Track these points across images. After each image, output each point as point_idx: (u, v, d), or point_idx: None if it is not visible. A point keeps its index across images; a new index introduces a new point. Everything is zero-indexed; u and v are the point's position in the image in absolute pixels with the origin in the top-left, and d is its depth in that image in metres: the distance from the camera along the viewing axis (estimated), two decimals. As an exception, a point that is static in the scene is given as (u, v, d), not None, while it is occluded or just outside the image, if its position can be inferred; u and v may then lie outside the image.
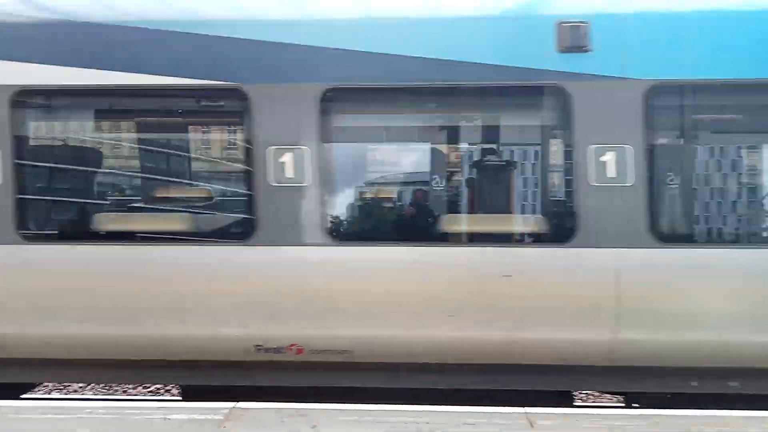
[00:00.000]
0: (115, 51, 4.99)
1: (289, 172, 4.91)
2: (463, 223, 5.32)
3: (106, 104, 5.27)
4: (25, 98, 5.03)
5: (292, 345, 5.12)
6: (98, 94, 5.11)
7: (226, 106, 5.27)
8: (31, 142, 5.32)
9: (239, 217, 5.20)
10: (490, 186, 5.32)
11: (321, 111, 4.92)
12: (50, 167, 5.36)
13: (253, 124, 4.94)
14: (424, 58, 4.92)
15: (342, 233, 5.15)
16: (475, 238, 5.21)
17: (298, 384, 5.28)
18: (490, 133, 5.44)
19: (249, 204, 4.99)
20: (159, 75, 4.97)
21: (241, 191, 5.18)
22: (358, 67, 4.93)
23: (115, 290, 5.00)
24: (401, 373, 5.30)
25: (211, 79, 4.97)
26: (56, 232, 5.38)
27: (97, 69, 4.98)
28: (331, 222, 5.09)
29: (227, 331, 5.07)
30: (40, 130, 5.43)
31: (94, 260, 5.01)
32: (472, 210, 5.39)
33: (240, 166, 5.17)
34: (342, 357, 5.16)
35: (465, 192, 5.39)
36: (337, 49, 4.94)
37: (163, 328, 5.07)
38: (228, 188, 5.36)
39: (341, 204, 5.26)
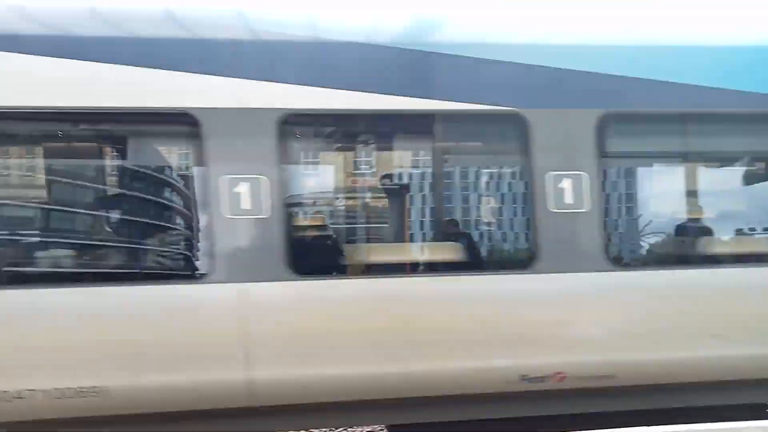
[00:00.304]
0: (384, 73, 4.77)
1: (569, 198, 4.86)
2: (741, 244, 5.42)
3: (382, 128, 4.99)
4: (299, 124, 4.71)
5: (557, 373, 5.04)
6: (363, 118, 4.85)
7: (500, 131, 5.12)
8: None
9: (519, 246, 5.06)
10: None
11: (596, 136, 4.91)
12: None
13: (532, 150, 4.86)
14: (697, 85, 5.03)
15: (623, 259, 5.13)
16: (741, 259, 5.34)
17: (562, 412, 5.21)
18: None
19: (529, 231, 4.89)
20: (430, 99, 4.80)
21: (519, 219, 5.06)
22: (633, 93, 4.97)
23: (387, 325, 4.74)
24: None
25: (487, 104, 4.85)
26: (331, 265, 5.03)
27: (365, 92, 4.74)
28: (612, 247, 5.07)
29: (497, 362, 4.93)
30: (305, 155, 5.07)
31: (365, 294, 4.74)
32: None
33: (518, 193, 5.04)
34: (603, 382, 5.14)
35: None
36: (613, 75, 4.96)
37: (429, 362, 4.86)
38: (505, 216, 5.19)
39: (621, 229, 5.25)
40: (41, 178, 4.85)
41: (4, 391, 4.55)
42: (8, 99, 4.42)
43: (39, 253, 4.73)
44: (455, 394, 5.10)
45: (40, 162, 4.89)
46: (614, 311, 4.95)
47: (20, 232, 4.81)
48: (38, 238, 4.88)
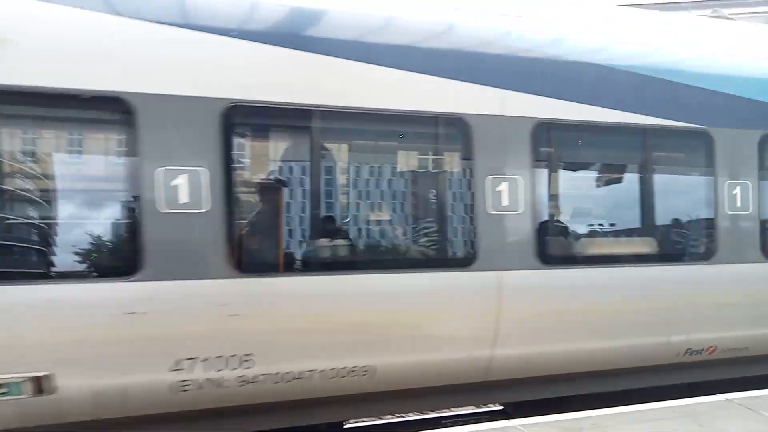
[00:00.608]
0: (614, 92, 5.56)
1: (738, 203, 5.95)
2: None
3: (599, 138, 5.76)
4: (545, 131, 5.37)
5: (711, 347, 6.12)
6: (592, 128, 5.59)
7: (687, 144, 6.06)
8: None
9: (702, 240, 6.04)
10: None
11: (759, 151, 6.03)
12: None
13: (714, 162, 5.88)
14: None
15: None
16: None
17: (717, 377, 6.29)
18: None
19: (710, 229, 5.91)
20: (643, 115, 5.65)
21: (701, 219, 6.04)
22: None
23: (606, 307, 5.56)
24: None
25: (680, 121, 5.79)
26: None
27: (590, 105, 5.51)
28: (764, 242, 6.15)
29: (675, 338, 5.92)
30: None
31: (591, 282, 5.53)
32: None
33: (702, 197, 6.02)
34: (737, 353, 6.29)
35: None
36: None
37: (626, 339, 5.74)
38: (690, 216, 6.13)
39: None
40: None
41: (288, 372, 4.81)
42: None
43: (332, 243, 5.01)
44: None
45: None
46: (762, 294, 6.10)
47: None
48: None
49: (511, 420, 4.75)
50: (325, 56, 4.80)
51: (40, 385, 4.25)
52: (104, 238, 4.47)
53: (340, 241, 4.98)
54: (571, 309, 5.47)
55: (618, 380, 6.09)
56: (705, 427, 4.82)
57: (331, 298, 4.81)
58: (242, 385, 4.73)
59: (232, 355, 4.64)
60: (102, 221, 4.47)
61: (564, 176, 5.75)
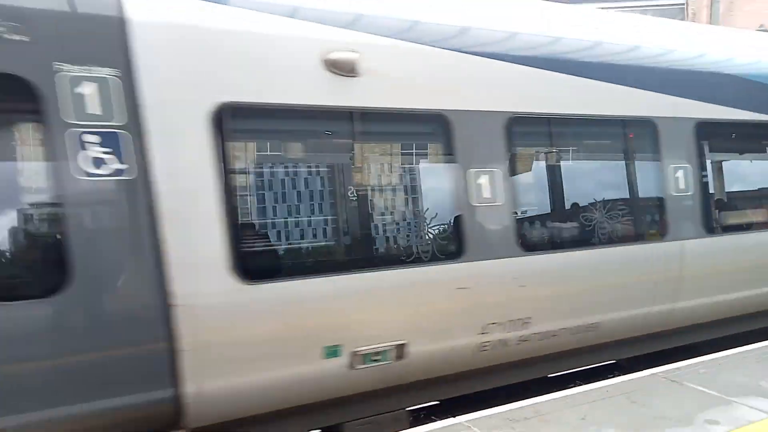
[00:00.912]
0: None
1: None
2: None
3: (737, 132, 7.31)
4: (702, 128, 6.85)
5: None
6: (732, 125, 7.15)
7: None
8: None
9: None
10: None
11: None
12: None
13: None
14: None
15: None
16: None
17: None
18: None
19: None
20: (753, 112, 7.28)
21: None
22: None
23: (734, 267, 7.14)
24: None
25: None
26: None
27: (728, 107, 7.08)
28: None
29: None
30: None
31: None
32: None
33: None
34: None
35: None
36: None
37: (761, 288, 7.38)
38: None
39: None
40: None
41: (549, 330, 5.99)
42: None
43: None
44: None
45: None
46: None
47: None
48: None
49: (457, 417, 5.16)
50: (567, 75, 6.03)
51: (400, 352, 5.20)
52: (442, 228, 5.47)
53: (586, 224, 6.22)
54: (727, 266, 6.99)
55: (727, 327, 7.66)
56: (638, 403, 5.20)
57: (583, 268, 6.04)
58: (519, 344, 5.85)
59: (518, 319, 5.75)
60: (438, 215, 5.46)
61: (718, 164, 7.26)
